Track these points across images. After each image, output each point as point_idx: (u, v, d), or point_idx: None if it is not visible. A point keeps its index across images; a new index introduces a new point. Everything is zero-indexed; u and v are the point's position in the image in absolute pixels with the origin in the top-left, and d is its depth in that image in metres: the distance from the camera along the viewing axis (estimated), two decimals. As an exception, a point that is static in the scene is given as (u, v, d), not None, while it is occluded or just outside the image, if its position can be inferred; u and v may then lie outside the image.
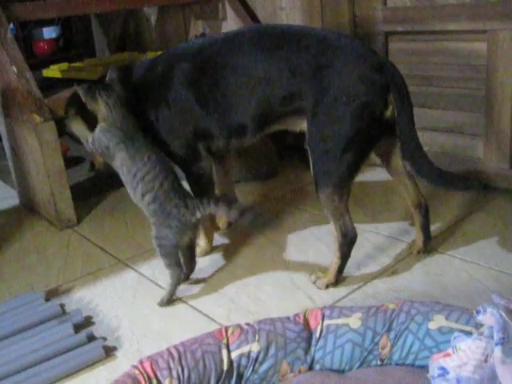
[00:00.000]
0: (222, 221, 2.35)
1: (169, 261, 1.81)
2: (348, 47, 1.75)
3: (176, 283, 1.84)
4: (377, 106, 1.69)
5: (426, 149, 1.80)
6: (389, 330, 1.34)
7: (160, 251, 1.81)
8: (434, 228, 2.00)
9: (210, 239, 2.16)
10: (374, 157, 1.87)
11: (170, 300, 1.85)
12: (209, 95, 1.87)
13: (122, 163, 1.79)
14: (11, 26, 3.02)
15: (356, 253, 1.87)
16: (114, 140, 1.77)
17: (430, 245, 2.00)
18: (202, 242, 2.13)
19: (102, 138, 1.78)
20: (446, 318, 1.30)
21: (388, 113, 1.71)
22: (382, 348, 1.33)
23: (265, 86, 1.80)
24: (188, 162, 2.00)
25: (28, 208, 2.81)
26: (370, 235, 2.16)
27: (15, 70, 2.37)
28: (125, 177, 1.81)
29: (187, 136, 1.96)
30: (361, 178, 1.81)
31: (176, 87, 1.92)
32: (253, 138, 1.97)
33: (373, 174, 2.62)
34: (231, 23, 3.08)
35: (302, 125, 1.84)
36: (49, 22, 4.79)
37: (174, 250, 1.81)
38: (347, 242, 1.80)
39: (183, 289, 1.91)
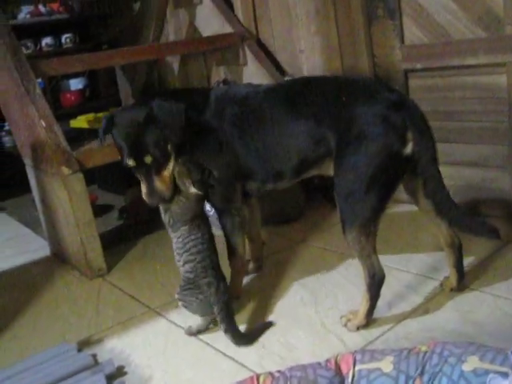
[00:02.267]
0: (250, 264, 2.35)
1: (192, 313, 1.91)
2: (365, 88, 1.79)
3: (201, 328, 1.94)
4: (393, 144, 1.70)
5: (451, 183, 1.80)
6: (422, 372, 1.32)
7: (182, 305, 1.91)
8: (464, 264, 1.97)
9: (240, 283, 2.16)
10: (399, 194, 1.86)
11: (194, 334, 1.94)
12: (251, 141, 1.95)
13: (181, 234, 1.88)
14: (39, 79, 3.12)
15: (386, 292, 1.86)
16: (184, 217, 1.88)
17: (462, 283, 1.97)
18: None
19: (177, 212, 1.88)
20: (481, 359, 1.28)
21: (408, 150, 1.71)
22: (417, 392, 1.31)
23: (298, 136, 1.87)
24: (222, 201, 2.04)
25: (59, 258, 2.84)
26: (398, 273, 2.14)
27: (44, 124, 2.43)
28: (176, 244, 1.90)
29: (229, 174, 2.00)
30: (386, 213, 1.80)
31: (226, 128, 1.98)
32: (288, 183, 2.02)
33: (398, 208, 2.60)
34: (252, 68, 3.13)
35: None
36: (75, 74, 4.92)
37: (194, 312, 1.91)
38: (375, 283, 1.79)
39: (214, 335, 1.91)
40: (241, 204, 2.07)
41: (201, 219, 1.90)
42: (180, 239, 1.88)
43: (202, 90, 2.14)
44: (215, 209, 2.08)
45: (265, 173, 1.99)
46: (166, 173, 1.84)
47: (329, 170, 1.91)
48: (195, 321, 1.94)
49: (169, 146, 1.83)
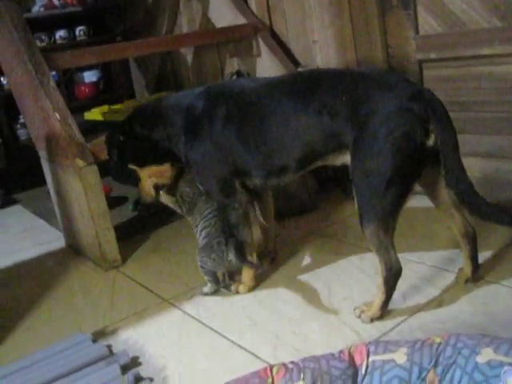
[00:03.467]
0: (264, 257, 2.35)
1: (207, 278, 2.14)
2: (382, 80, 1.76)
3: (210, 292, 2.16)
4: (417, 135, 1.67)
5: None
6: (436, 364, 1.32)
7: (201, 270, 2.13)
8: (479, 255, 1.96)
9: (253, 275, 2.16)
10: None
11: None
12: (250, 137, 1.93)
13: (199, 205, 2.14)
14: (53, 72, 3.13)
15: (401, 284, 1.84)
16: (196, 191, 2.15)
17: (477, 274, 1.96)
18: (245, 278, 2.14)
19: (187, 190, 2.16)
20: (495, 351, 1.27)
21: (430, 141, 1.69)
22: (430, 383, 1.31)
23: (305, 130, 1.84)
24: (222, 196, 2.05)
25: (73, 249, 2.87)
26: (413, 265, 2.13)
27: (58, 116, 2.45)
28: (195, 216, 2.15)
29: (224, 172, 2.00)
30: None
31: (219, 125, 1.97)
32: (293, 177, 2.00)
33: (413, 201, 2.58)
34: (265, 59, 3.12)
35: (344, 159, 1.85)
36: (89, 67, 4.94)
37: (211, 273, 2.12)
38: (392, 276, 1.78)
39: (228, 326, 1.92)
40: (244, 197, 2.05)
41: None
42: (198, 211, 2.13)
43: (198, 87, 2.14)
44: (217, 204, 2.08)
45: (267, 168, 1.97)
46: (142, 182, 2.18)
47: (335, 160, 1.90)
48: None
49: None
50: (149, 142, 2.09)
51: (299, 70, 3.00)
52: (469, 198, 1.73)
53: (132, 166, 2.14)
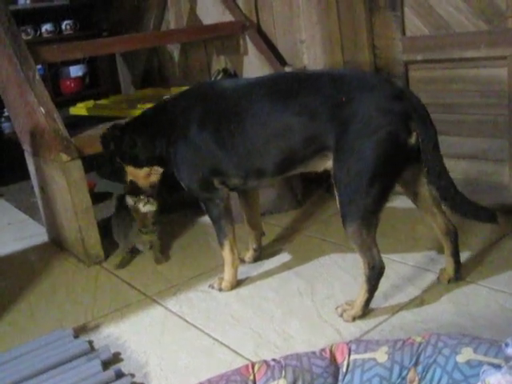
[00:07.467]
0: (248, 254, 2.35)
1: None
2: (363, 81, 1.78)
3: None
4: (400, 134, 1.69)
5: (449, 176, 1.79)
6: (416, 363, 1.33)
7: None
8: (460, 256, 1.98)
9: (236, 273, 2.16)
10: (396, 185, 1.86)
11: None
12: (228, 139, 1.94)
13: None
14: (39, 66, 3.11)
15: (382, 283, 1.86)
16: None
17: (459, 273, 1.97)
18: (228, 276, 2.14)
19: None
20: (475, 351, 1.29)
21: (412, 140, 1.71)
22: (410, 382, 1.32)
23: (285, 133, 1.84)
24: (203, 193, 2.07)
25: (56, 244, 2.85)
26: (396, 265, 2.15)
27: (43, 110, 2.43)
28: None
29: (202, 172, 2.03)
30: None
31: (195, 127, 1.99)
32: (272, 180, 2.02)
33: (395, 201, 2.60)
34: (252, 57, 3.12)
35: (326, 164, 1.86)
36: (75, 61, 4.91)
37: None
38: (375, 275, 1.79)
39: (211, 324, 1.92)
40: (222, 193, 2.06)
41: None
42: None
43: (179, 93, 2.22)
44: (199, 200, 2.10)
45: (245, 170, 1.98)
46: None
47: (317, 166, 1.90)
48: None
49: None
50: (134, 145, 2.18)
51: (286, 69, 3.01)
52: (450, 195, 1.76)
53: (118, 160, 2.25)
